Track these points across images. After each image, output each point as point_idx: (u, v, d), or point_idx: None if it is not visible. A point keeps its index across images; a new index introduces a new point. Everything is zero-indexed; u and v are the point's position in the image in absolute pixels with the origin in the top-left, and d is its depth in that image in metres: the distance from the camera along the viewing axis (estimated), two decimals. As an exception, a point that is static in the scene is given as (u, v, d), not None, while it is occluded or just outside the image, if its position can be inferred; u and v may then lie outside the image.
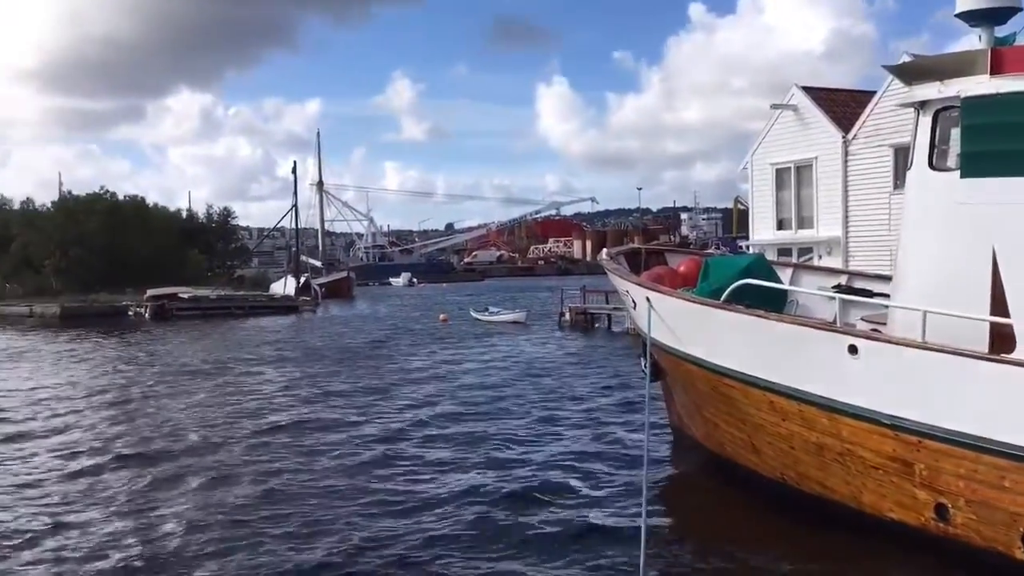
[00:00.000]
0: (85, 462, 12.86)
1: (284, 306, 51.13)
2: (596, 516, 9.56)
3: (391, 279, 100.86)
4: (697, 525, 9.71)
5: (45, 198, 68.71)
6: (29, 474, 12.27)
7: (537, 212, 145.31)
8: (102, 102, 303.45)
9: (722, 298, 9.97)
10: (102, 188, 63.99)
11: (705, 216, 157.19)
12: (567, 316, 35.63)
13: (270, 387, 20.41)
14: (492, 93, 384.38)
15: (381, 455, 12.67)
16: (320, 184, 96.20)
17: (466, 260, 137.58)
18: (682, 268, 12.99)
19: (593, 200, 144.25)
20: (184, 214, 72.10)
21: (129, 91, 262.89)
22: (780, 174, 25.42)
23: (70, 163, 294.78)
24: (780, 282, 11.61)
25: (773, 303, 10.22)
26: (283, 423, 15.46)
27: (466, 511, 9.78)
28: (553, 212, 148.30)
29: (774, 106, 25.58)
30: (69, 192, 64.66)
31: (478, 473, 11.55)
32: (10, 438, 14.78)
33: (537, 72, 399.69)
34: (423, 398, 18.09)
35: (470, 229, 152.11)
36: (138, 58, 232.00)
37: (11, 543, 9.09)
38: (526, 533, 9.01)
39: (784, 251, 24.22)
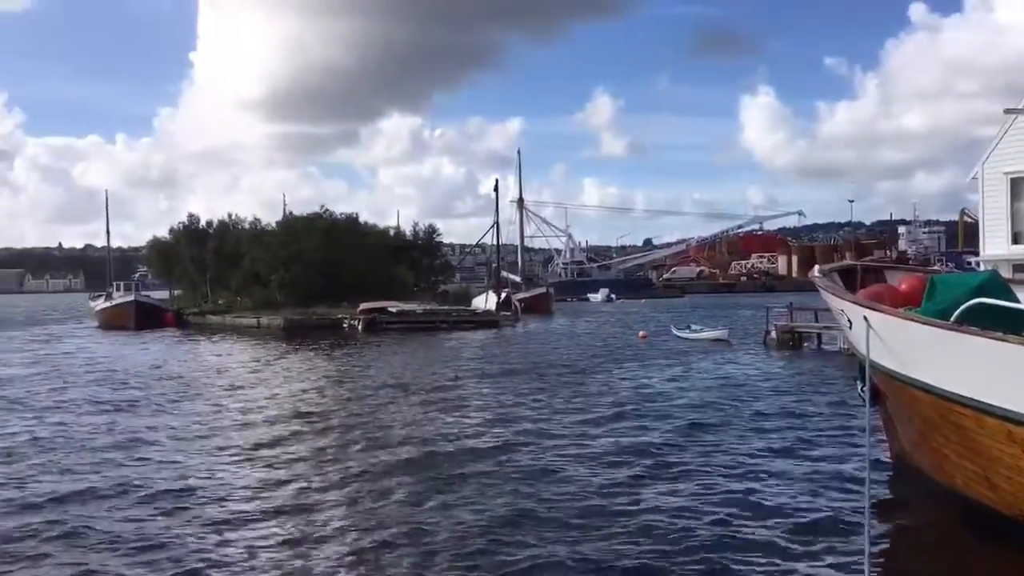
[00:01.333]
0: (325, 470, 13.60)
1: (485, 321, 52.40)
2: (811, 553, 8.94)
3: (589, 295, 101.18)
4: (924, 566, 8.89)
5: (271, 217, 74.26)
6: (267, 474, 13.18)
7: (739, 227, 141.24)
8: (321, 127, 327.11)
9: (952, 318, 9.12)
10: (322, 207, 68.41)
11: (926, 230, 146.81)
12: (773, 334, 34.19)
13: (482, 401, 20.75)
14: (693, 105, 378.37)
15: (603, 474, 12.53)
16: (520, 201, 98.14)
17: (665, 276, 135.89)
18: (903, 286, 12.02)
19: (800, 214, 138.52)
20: (393, 231, 75.69)
21: (345, 116, 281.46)
22: (1016, 184, 23.12)
23: (292, 184, 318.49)
24: (1017, 302, 10.49)
25: (1010, 324, 9.23)
26: (502, 440, 15.38)
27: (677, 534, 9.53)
28: (756, 227, 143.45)
29: (1008, 111, 23.22)
30: (291, 212, 69.64)
31: (686, 497, 11.23)
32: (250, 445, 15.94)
33: (741, 82, 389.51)
34: (629, 416, 17.82)
35: (669, 244, 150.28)
36: (354, 85, 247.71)
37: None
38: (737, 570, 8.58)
39: (1020, 267, 21.99)
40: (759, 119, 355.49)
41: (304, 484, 12.39)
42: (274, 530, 10.22)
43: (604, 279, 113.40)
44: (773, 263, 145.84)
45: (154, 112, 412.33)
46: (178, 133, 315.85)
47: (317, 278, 58.76)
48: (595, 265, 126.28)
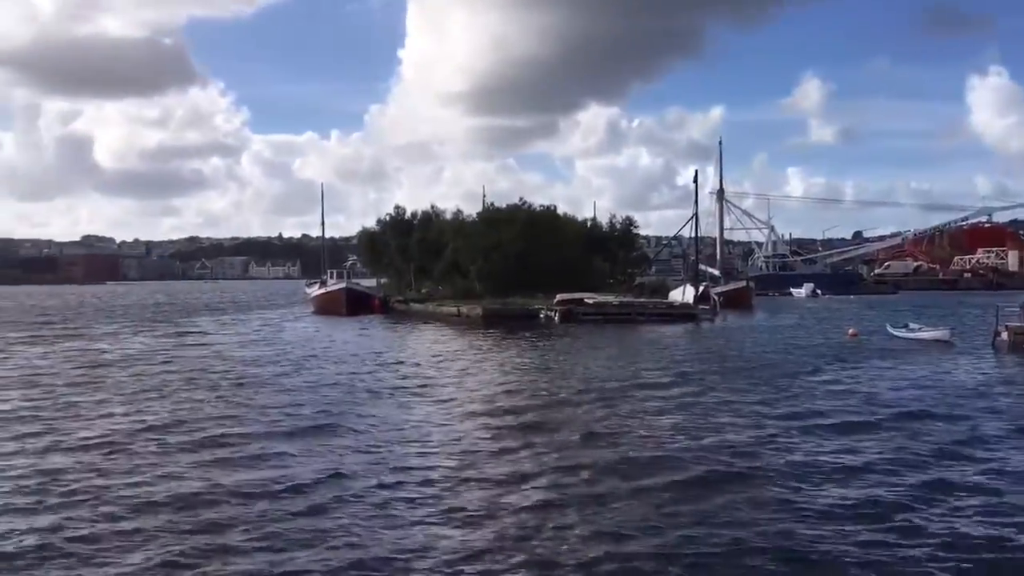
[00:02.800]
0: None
1: (682, 314, 51.18)
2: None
3: (792, 290, 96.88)
4: None
5: (471, 209, 76.27)
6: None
7: (964, 218, 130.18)
8: (520, 120, 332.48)
9: None
10: (520, 200, 69.40)
11: None
12: (1004, 336, 31.07)
13: (693, 400, 19.67)
14: (912, 89, 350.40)
15: (854, 494, 11.36)
16: (720, 192, 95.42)
17: (877, 271, 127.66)
18: None
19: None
20: (589, 223, 75.58)
21: (544, 108, 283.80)
22: None
23: (491, 177, 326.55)
24: None
25: None
26: (725, 444, 14.54)
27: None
28: (983, 219, 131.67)
29: None
30: (491, 204, 71.08)
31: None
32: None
33: (967, 63, 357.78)
34: (859, 425, 16.39)
35: (882, 238, 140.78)
36: (554, 77, 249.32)
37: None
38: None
39: None
40: (988, 101, 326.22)
41: (528, 480, 12.26)
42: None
43: (808, 273, 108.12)
44: (1002, 259, 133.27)
45: (365, 109, 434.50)
46: (386, 128, 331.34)
47: (515, 268, 59.62)
48: (799, 259, 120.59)
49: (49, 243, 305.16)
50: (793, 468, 12.85)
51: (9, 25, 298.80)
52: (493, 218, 65.95)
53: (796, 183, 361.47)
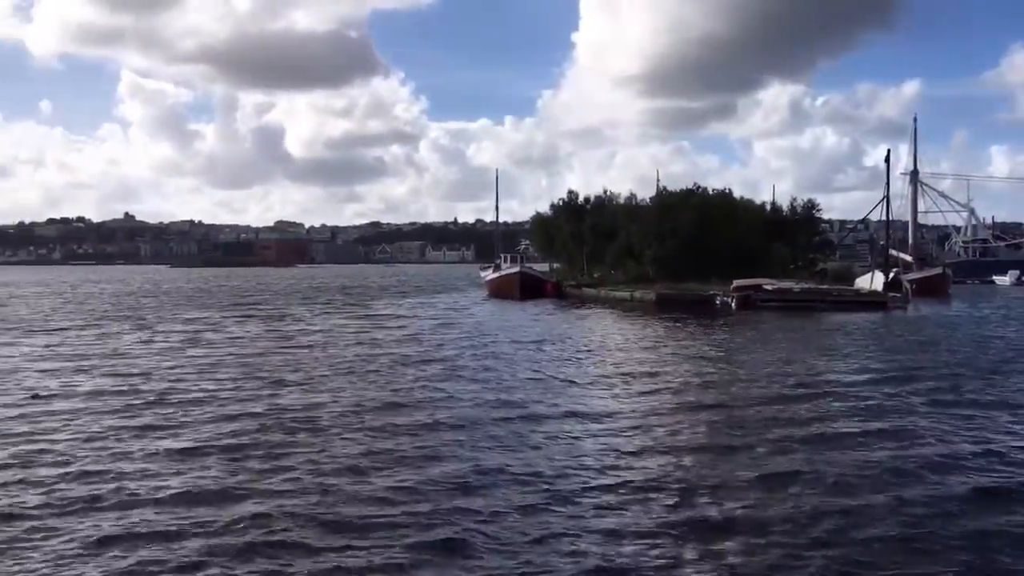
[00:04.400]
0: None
1: (871, 302, 48.37)
2: None
3: (994, 277, 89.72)
4: None
5: (644, 193, 75.27)
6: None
7: None
8: (696, 101, 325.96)
9: None
10: (694, 184, 67.79)
11: None
12: None
13: (892, 404, 17.43)
14: None
15: None
16: (915, 173, 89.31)
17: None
18: None
19: None
20: (768, 207, 72.83)
21: (722, 88, 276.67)
22: None
23: (665, 160, 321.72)
24: None
25: None
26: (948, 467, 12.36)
27: None
28: None
29: None
30: (665, 188, 69.80)
31: None
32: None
33: None
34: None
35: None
36: (733, 56, 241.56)
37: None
38: None
39: None
40: None
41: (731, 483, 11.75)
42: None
43: (1014, 260, 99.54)
44: None
45: (538, 94, 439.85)
46: (559, 113, 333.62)
47: (689, 253, 58.38)
48: (1002, 244, 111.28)
49: (246, 228, 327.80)
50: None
51: (209, 24, 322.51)
52: (667, 202, 64.81)
53: (1000, 163, 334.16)
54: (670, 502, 10.51)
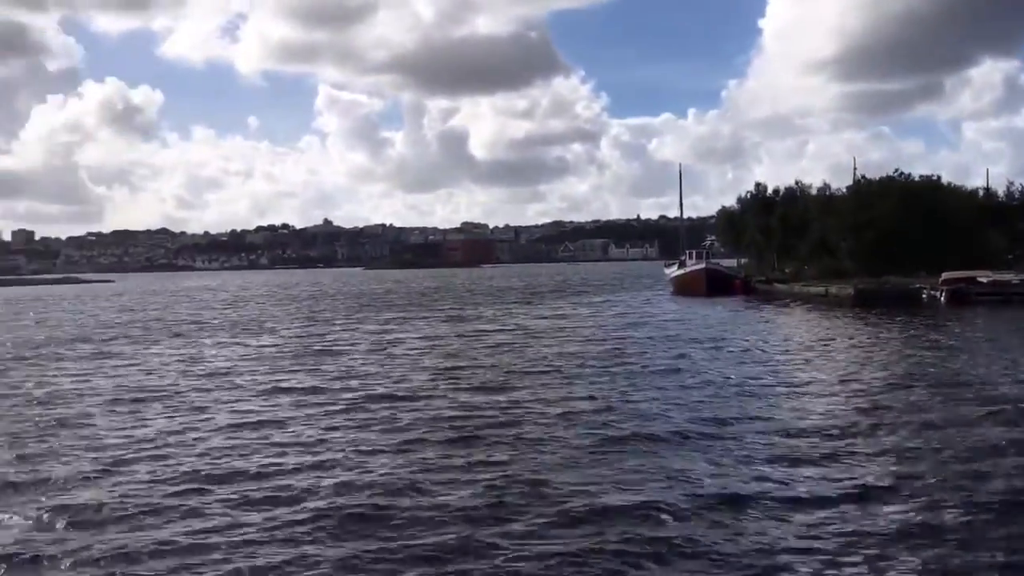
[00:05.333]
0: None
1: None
2: None
3: None
4: None
5: (839, 183, 71.60)
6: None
7: None
8: (896, 83, 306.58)
9: None
10: (896, 170, 63.63)
11: None
12: None
13: None
14: None
15: None
16: None
17: None
18: None
19: None
20: (981, 193, 67.20)
21: (925, 68, 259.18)
22: None
23: (862, 147, 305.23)
24: None
25: None
26: None
27: None
28: None
29: None
30: (862, 176, 66.00)
31: None
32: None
33: None
34: None
35: None
36: (937, 32, 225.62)
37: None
38: None
39: None
40: None
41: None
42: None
43: None
44: None
45: (722, 85, 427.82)
46: (744, 103, 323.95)
47: (889, 245, 54.87)
48: None
49: (434, 230, 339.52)
50: None
51: (397, 34, 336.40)
52: (865, 191, 61.20)
53: None
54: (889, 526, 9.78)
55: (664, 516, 9.86)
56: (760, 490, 10.80)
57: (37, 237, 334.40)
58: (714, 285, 58.21)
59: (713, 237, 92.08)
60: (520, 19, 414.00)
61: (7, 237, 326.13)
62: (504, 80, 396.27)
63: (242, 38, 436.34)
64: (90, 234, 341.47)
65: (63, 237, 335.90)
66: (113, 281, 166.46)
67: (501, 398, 18.08)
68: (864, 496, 10.51)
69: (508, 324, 38.82)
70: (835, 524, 9.54)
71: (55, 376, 23.65)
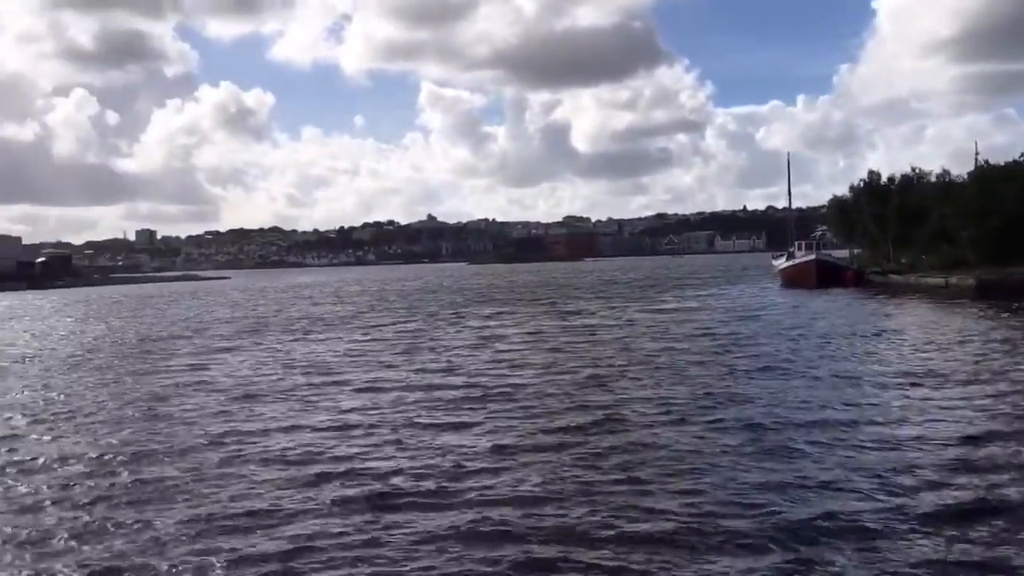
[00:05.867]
0: None
1: None
2: None
3: None
4: None
5: (960, 169, 68.04)
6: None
7: None
8: (1020, 62, 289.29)
9: None
10: (1021, 154, 60.09)
11: None
12: None
13: None
14: None
15: None
16: None
17: None
18: None
19: None
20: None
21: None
22: None
23: (986, 131, 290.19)
24: None
25: None
26: None
27: None
28: None
29: None
30: (985, 161, 62.64)
31: None
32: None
33: None
34: None
35: None
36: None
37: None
38: None
39: None
40: None
41: None
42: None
43: None
44: None
45: (833, 70, 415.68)
46: (857, 87, 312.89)
47: (1016, 233, 51.90)
48: None
49: (536, 224, 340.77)
50: None
51: (499, 29, 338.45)
52: (988, 177, 58.04)
53: None
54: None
55: (780, 535, 9.43)
56: (884, 505, 10.15)
57: (159, 236, 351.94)
58: (824, 276, 56.42)
59: (824, 227, 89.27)
60: (623, 9, 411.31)
61: (132, 237, 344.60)
62: (606, 71, 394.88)
63: (347, 39, 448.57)
64: (207, 233, 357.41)
65: (183, 236, 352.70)
66: (229, 278, 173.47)
67: (607, 396, 17.92)
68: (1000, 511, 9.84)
69: (613, 318, 38.55)
70: (968, 543, 8.96)
71: (173, 369, 24.77)
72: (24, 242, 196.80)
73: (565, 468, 12.00)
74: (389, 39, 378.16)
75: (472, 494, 11.00)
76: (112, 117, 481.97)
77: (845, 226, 75.43)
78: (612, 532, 9.35)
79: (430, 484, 11.48)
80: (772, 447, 12.88)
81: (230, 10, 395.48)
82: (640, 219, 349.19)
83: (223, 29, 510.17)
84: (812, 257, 59.45)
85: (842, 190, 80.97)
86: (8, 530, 10.04)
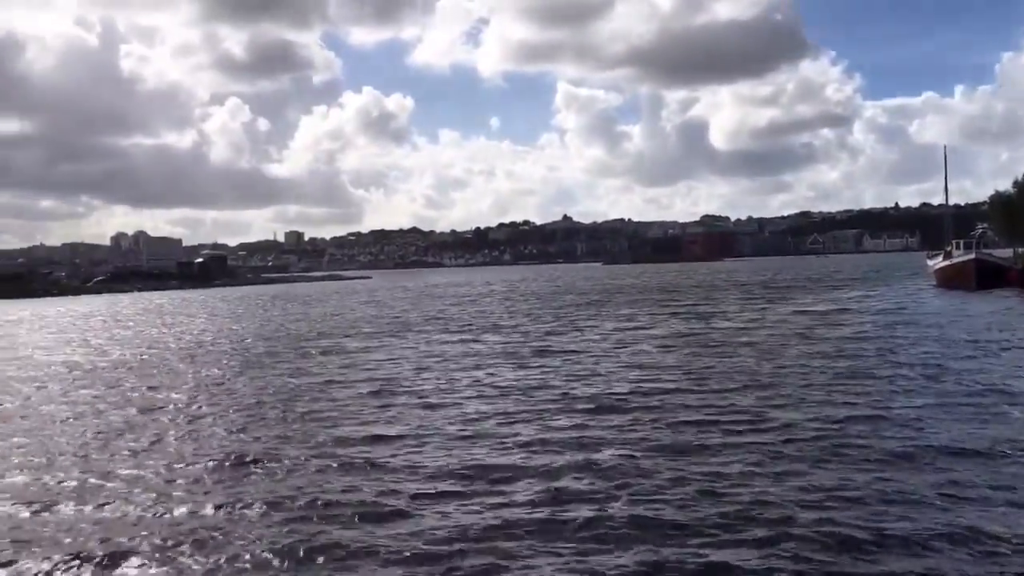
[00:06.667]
0: None
1: None
2: None
3: None
4: None
5: None
6: None
7: None
8: None
9: None
10: None
11: None
12: None
13: None
14: None
15: None
16: None
17: None
18: None
19: None
20: None
21: None
22: None
23: None
24: None
25: None
26: None
27: None
28: None
29: None
30: None
31: None
32: None
33: None
34: None
35: None
36: None
37: None
38: None
39: None
40: None
41: None
42: None
43: None
44: None
45: (995, 58, 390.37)
46: (1023, 77, 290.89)
47: None
48: None
49: (672, 224, 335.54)
50: None
51: (635, 27, 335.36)
52: None
53: None
54: None
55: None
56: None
57: (306, 238, 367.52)
58: (985, 277, 52.65)
59: (985, 225, 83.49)
60: (763, 1, 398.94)
61: (281, 238, 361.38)
62: (746, 67, 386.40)
63: (484, 41, 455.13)
64: (351, 234, 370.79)
65: (327, 237, 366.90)
66: (371, 278, 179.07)
67: (750, 401, 17.09)
68: None
69: (754, 321, 37.05)
70: None
71: (312, 368, 25.44)
72: (184, 244, 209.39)
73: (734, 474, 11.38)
74: (525, 40, 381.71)
75: (625, 492, 10.84)
76: (263, 124, 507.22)
77: (1009, 223, 70.26)
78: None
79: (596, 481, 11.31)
80: (929, 465, 11.76)
81: (372, 18, 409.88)
82: (782, 218, 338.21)
83: (366, 36, 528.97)
84: (971, 256, 55.60)
85: (1005, 185, 75.63)
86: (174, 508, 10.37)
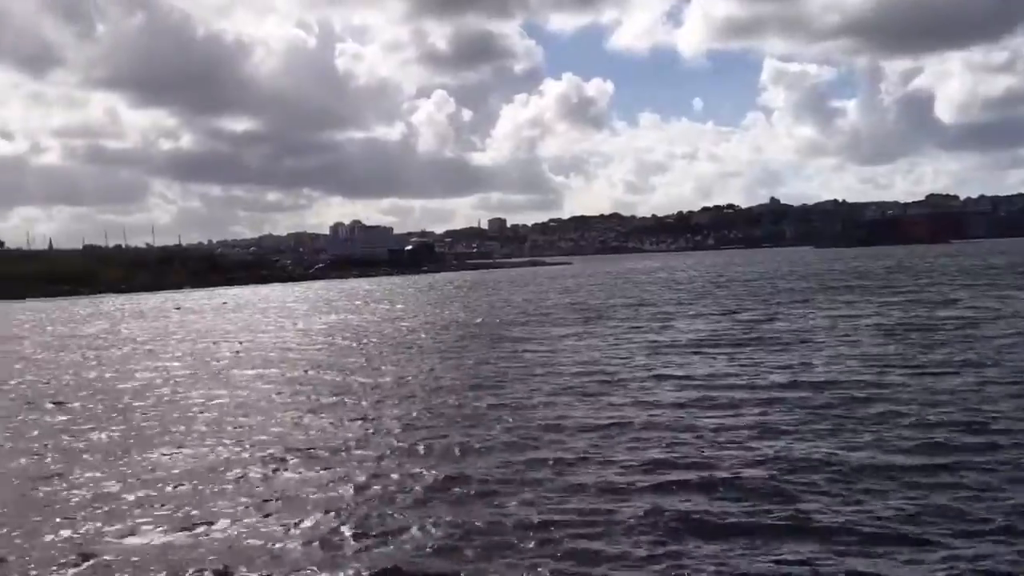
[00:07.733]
0: None
1: None
2: None
3: None
4: None
5: None
6: None
7: None
8: None
9: None
10: None
11: None
12: None
13: None
14: None
15: None
16: None
17: None
18: None
19: None
20: None
21: None
22: None
23: None
24: None
25: None
26: None
27: None
28: None
29: None
30: None
31: None
32: None
33: None
34: None
35: None
36: None
37: None
38: None
39: None
40: None
41: None
42: None
43: None
44: None
45: None
46: None
47: None
48: None
49: (892, 204, 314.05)
50: None
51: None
52: None
53: None
54: None
55: None
56: None
57: (508, 224, 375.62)
58: None
59: None
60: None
61: (484, 225, 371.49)
62: (978, 31, 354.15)
63: (685, 20, 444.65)
64: (551, 220, 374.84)
65: (529, 224, 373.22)
66: (571, 263, 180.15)
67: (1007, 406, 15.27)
68: None
69: (991, 313, 33.42)
70: None
71: (511, 353, 25.61)
72: (394, 232, 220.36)
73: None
74: (730, 16, 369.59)
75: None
76: (466, 114, 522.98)
77: None
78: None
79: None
80: None
81: (571, 3, 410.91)
82: (1021, 195, 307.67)
83: (565, 22, 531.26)
84: None
85: None
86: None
